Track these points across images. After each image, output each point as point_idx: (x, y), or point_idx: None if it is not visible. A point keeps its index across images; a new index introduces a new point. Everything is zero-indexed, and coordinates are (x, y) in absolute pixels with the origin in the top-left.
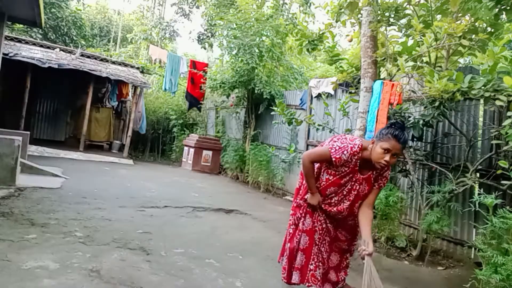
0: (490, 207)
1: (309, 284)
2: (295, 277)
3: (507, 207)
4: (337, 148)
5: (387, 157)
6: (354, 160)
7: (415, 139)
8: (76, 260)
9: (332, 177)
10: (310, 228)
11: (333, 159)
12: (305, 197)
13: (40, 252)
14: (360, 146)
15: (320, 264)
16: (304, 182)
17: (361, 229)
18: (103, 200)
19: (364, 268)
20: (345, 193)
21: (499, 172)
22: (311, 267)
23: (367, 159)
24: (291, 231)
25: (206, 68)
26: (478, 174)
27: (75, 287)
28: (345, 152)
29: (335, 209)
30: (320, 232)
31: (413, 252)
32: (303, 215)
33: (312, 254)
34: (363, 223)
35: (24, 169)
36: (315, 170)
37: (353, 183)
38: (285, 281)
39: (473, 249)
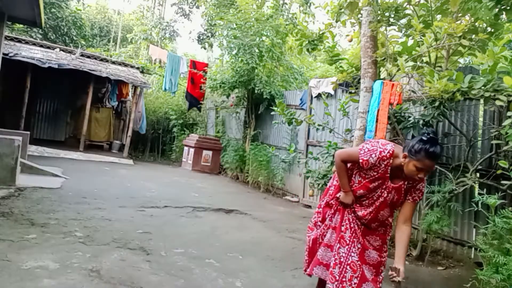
0: (492, 207)
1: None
2: (319, 271)
3: (509, 208)
4: (366, 150)
5: (421, 175)
6: (383, 165)
7: None
8: (76, 260)
9: (362, 179)
10: (338, 226)
11: (360, 160)
12: (337, 195)
13: (40, 252)
14: (391, 152)
15: (349, 267)
16: (334, 182)
17: (396, 248)
18: (103, 200)
19: None
20: (375, 198)
21: (499, 172)
22: (332, 264)
23: (399, 167)
24: (312, 224)
25: (206, 68)
26: (478, 174)
27: (75, 287)
28: (373, 155)
29: (361, 212)
30: (350, 232)
31: (413, 252)
32: (332, 212)
33: (337, 252)
34: (398, 241)
35: (24, 169)
36: (348, 171)
37: (382, 190)
38: (307, 273)
39: (473, 249)
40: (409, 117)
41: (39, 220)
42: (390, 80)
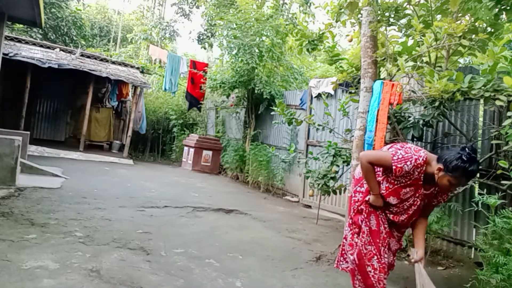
0: (492, 207)
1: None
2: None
3: (509, 208)
4: (400, 157)
5: (453, 188)
6: (417, 173)
7: (415, 139)
8: (76, 260)
9: (391, 185)
10: (376, 229)
11: (393, 167)
12: (366, 198)
13: (40, 252)
14: (424, 159)
15: (384, 268)
16: (358, 188)
17: (414, 238)
18: (103, 200)
19: (416, 273)
20: (405, 207)
21: (499, 172)
22: (375, 268)
23: (431, 175)
24: (356, 240)
25: (206, 68)
26: (478, 174)
27: (75, 287)
28: (408, 163)
29: (390, 217)
30: (384, 234)
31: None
32: (366, 216)
33: (382, 255)
34: (417, 233)
35: (24, 169)
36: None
37: (415, 198)
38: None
39: (473, 249)
40: (409, 117)
41: (39, 220)
42: (390, 80)
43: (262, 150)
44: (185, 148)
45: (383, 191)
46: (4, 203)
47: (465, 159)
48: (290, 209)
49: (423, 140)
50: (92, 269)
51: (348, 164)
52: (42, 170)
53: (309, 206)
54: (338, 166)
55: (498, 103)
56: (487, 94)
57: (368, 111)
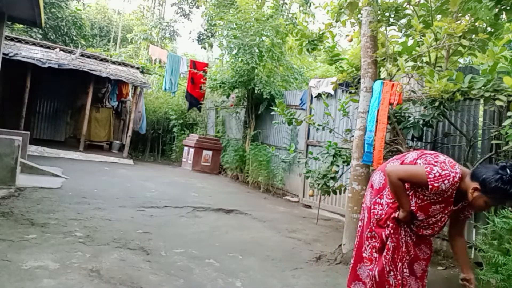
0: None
1: None
2: None
3: (509, 208)
4: (437, 175)
5: (488, 208)
6: (451, 190)
7: (415, 139)
8: (76, 260)
9: (420, 201)
10: (396, 244)
11: (430, 186)
12: (396, 215)
13: (40, 252)
14: (460, 176)
15: (399, 285)
16: (378, 199)
17: (460, 262)
18: (103, 200)
19: None
20: (431, 223)
21: None
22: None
23: (462, 191)
24: (376, 255)
25: (206, 68)
26: None
27: (75, 287)
28: (445, 181)
29: (414, 228)
30: (404, 248)
31: None
32: (391, 232)
33: (398, 270)
34: (460, 253)
35: (24, 169)
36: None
37: (443, 215)
38: None
39: (473, 249)
40: (409, 117)
41: (39, 220)
42: (390, 80)
43: (262, 150)
44: (185, 148)
45: (412, 207)
46: (4, 203)
47: (506, 180)
48: (290, 209)
49: (423, 140)
50: (92, 269)
51: (348, 164)
52: (42, 170)
53: (309, 206)
54: (338, 166)
55: (498, 103)
56: (487, 94)
57: (368, 111)
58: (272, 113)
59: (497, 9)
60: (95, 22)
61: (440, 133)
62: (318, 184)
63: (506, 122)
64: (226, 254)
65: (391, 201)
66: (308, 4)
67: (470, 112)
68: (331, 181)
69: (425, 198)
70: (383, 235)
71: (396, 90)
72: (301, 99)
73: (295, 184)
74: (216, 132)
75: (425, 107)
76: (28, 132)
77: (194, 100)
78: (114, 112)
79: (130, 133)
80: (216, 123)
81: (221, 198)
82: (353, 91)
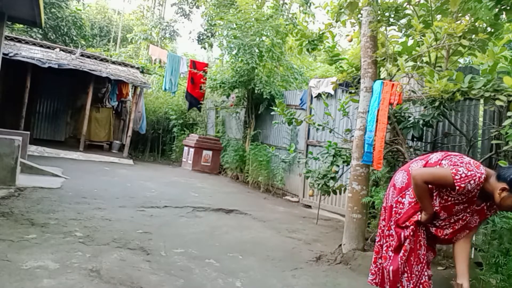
0: None
1: None
2: None
3: None
4: (463, 175)
5: None
6: (476, 190)
7: (415, 139)
8: (76, 260)
9: (444, 201)
10: (414, 247)
11: (457, 187)
12: (417, 217)
13: (40, 252)
14: (484, 176)
15: (421, 287)
16: (400, 199)
17: (457, 264)
18: (103, 200)
19: None
20: (452, 221)
21: None
22: (404, 282)
23: (486, 191)
24: (391, 254)
25: (206, 68)
26: None
27: (75, 287)
28: (471, 182)
29: (433, 230)
30: (424, 248)
31: None
32: (410, 233)
33: (413, 273)
34: (459, 257)
35: (24, 169)
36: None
37: (465, 213)
38: None
39: (473, 249)
40: (409, 117)
41: (39, 220)
42: (390, 80)
43: (262, 150)
44: (185, 148)
45: (436, 208)
46: (4, 203)
47: None
48: (290, 209)
49: (423, 140)
50: (92, 269)
51: (348, 164)
52: (42, 170)
53: (309, 206)
54: (338, 166)
55: (498, 103)
56: (487, 94)
57: (368, 111)
58: (272, 113)
59: (497, 9)
60: (95, 22)
61: (440, 133)
62: (318, 184)
63: (506, 122)
64: (226, 254)
65: (413, 200)
66: (308, 4)
67: (470, 112)
68: (331, 181)
69: (450, 198)
70: (402, 236)
71: (396, 90)
72: (301, 99)
73: (295, 184)
74: (216, 132)
75: (425, 107)
76: (28, 132)
77: (194, 100)
78: (114, 112)
79: (130, 133)
80: (216, 123)
81: (221, 198)
82: (353, 91)
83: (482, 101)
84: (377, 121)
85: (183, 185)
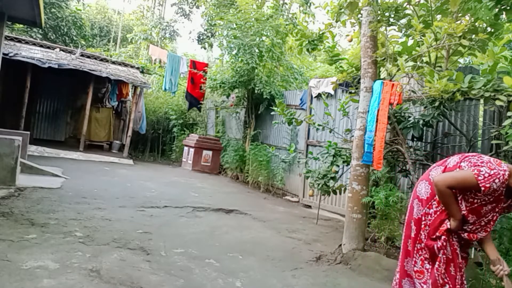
0: None
1: None
2: None
3: None
4: (486, 175)
5: None
6: (502, 188)
7: (415, 139)
8: (76, 260)
9: (470, 204)
10: (451, 256)
11: (482, 188)
12: (448, 226)
13: (40, 252)
14: (509, 173)
15: None
16: (426, 209)
17: (488, 250)
18: (103, 200)
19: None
20: (483, 224)
21: None
22: None
23: (510, 188)
24: (428, 266)
25: (206, 68)
26: None
27: (75, 287)
28: (496, 180)
29: (465, 235)
30: (460, 257)
31: None
32: (444, 245)
33: (457, 284)
34: (487, 243)
35: (24, 169)
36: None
37: (494, 213)
38: None
39: (473, 249)
40: (409, 117)
41: (39, 220)
42: (390, 80)
43: (262, 150)
44: (185, 148)
45: (463, 212)
46: (4, 203)
47: None
48: (290, 209)
49: (423, 140)
50: (92, 269)
51: (348, 164)
52: (42, 170)
53: (309, 206)
54: (338, 166)
55: (498, 103)
56: (487, 94)
57: (368, 111)
58: (272, 113)
59: (497, 9)
60: (95, 22)
61: (440, 133)
62: (318, 184)
63: (506, 122)
64: (226, 254)
65: (439, 209)
66: (308, 4)
67: (470, 112)
68: (331, 181)
69: (476, 200)
70: (435, 248)
71: (396, 90)
72: (301, 99)
73: (295, 184)
74: (216, 132)
75: (425, 107)
76: (28, 132)
77: (194, 100)
78: (114, 112)
79: (130, 133)
80: (216, 123)
81: (221, 198)
82: (353, 91)
83: (482, 101)
84: (377, 121)
85: (183, 185)
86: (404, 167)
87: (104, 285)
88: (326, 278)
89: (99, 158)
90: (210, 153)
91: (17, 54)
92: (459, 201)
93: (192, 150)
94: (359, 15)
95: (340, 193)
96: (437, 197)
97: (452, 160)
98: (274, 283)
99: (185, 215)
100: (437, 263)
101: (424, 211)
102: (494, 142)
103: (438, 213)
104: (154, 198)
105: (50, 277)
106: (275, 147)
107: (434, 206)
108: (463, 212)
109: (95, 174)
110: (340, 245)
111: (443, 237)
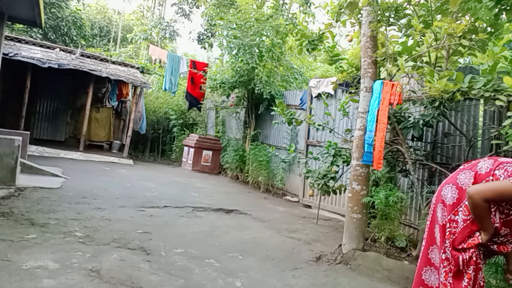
0: None
1: None
2: None
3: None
4: None
5: None
6: None
7: (415, 139)
8: (76, 260)
9: (505, 216)
10: (477, 272)
11: None
12: (479, 239)
13: (40, 252)
14: None
15: None
16: (453, 216)
17: (509, 257)
18: (103, 200)
19: None
20: None
21: None
22: None
23: None
24: (451, 281)
25: (206, 68)
26: None
27: (75, 287)
28: None
29: (495, 247)
30: (482, 272)
31: (413, 252)
32: (473, 258)
33: None
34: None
35: (24, 169)
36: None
37: None
38: None
39: None
40: (409, 117)
41: (39, 220)
42: (390, 80)
43: (262, 150)
44: (185, 148)
45: (496, 224)
46: (4, 203)
47: None
48: (290, 209)
49: (423, 140)
50: (92, 269)
51: (348, 164)
52: (42, 170)
53: (309, 206)
54: (338, 166)
55: (498, 103)
56: (487, 94)
57: (368, 111)
58: (272, 113)
59: (497, 9)
60: (95, 22)
61: (440, 133)
62: (318, 184)
63: (506, 122)
64: (226, 254)
65: (469, 218)
66: (308, 4)
67: (470, 112)
68: (331, 181)
69: (511, 212)
70: (460, 260)
71: (396, 90)
72: (301, 99)
73: (295, 184)
74: (216, 132)
75: (425, 107)
76: (28, 132)
77: (194, 100)
78: (114, 112)
79: (130, 133)
80: (216, 123)
81: (221, 198)
82: (353, 91)
83: (482, 101)
84: (377, 121)
85: (183, 185)
86: (404, 167)
87: (104, 285)
88: (326, 278)
89: (99, 158)
90: (210, 153)
91: (17, 54)
92: (493, 213)
93: (192, 150)
94: (359, 15)
95: (340, 193)
96: (467, 204)
97: (484, 166)
98: (274, 283)
99: (185, 215)
100: (466, 279)
101: (449, 217)
102: (494, 142)
103: (468, 222)
104: (154, 198)
105: (50, 277)
106: (275, 147)
107: (461, 213)
108: (496, 225)
109: (95, 174)
110: (340, 245)
111: (471, 249)
